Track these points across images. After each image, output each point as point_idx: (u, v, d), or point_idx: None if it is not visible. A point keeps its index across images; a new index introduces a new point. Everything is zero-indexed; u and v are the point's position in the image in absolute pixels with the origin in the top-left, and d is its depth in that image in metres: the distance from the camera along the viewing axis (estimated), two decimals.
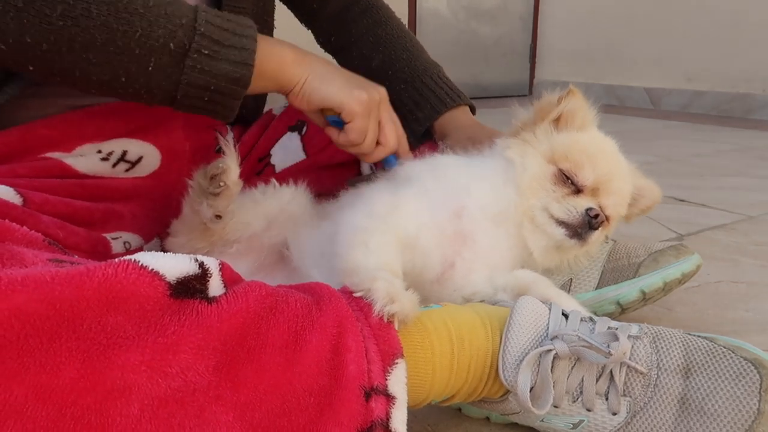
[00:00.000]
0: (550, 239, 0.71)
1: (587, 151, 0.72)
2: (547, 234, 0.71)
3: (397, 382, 0.50)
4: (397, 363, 0.51)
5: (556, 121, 0.75)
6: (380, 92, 0.77)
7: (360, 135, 0.75)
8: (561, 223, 0.70)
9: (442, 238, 0.69)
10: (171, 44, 0.63)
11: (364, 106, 0.73)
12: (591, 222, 0.69)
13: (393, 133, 0.79)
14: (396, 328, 0.52)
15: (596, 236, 0.71)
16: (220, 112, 0.69)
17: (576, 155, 0.72)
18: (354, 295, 0.54)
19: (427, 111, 0.96)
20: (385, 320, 0.52)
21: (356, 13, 1.03)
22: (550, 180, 0.72)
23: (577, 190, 0.71)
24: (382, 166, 0.83)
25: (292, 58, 0.72)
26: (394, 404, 0.49)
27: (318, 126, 0.81)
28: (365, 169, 1.04)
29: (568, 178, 0.71)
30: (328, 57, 1.07)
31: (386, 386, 0.50)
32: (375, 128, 0.77)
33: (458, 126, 0.94)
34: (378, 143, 0.79)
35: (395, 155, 0.82)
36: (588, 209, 0.69)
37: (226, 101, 0.68)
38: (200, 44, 0.64)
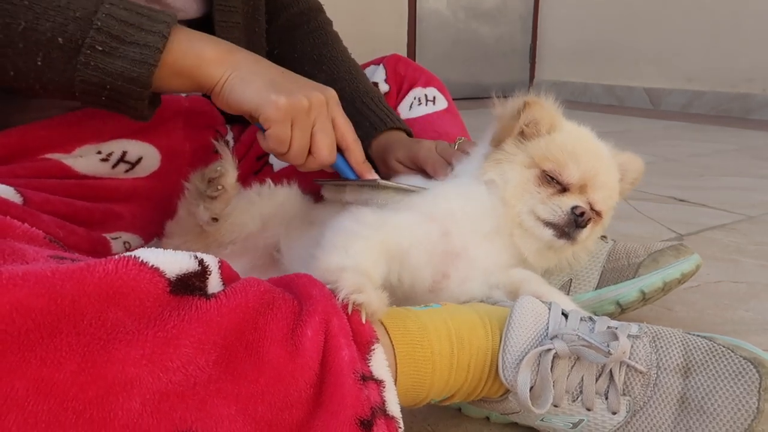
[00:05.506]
0: (540, 241, 0.71)
1: (568, 149, 0.71)
2: (536, 236, 0.70)
3: (380, 366, 0.50)
4: (374, 349, 0.51)
5: (521, 134, 0.73)
6: (315, 97, 0.69)
7: (279, 143, 0.68)
8: (548, 224, 0.69)
9: (433, 254, 0.67)
10: (59, 38, 0.59)
11: (282, 113, 0.66)
12: (577, 220, 0.68)
13: (325, 143, 0.70)
14: (363, 320, 0.51)
15: (585, 234, 0.70)
16: (126, 112, 0.65)
17: (557, 154, 0.70)
18: None
19: (366, 129, 0.93)
20: (350, 309, 0.51)
21: (305, 32, 1.03)
22: (534, 182, 0.70)
23: (563, 189, 0.70)
24: (340, 174, 0.77)
25: (214, 56, 0.66)
26: (384, 387, 0.49)
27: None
28: None
29: (552, 178, 0.70)
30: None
31: (371, 371, 0.49)
32: (302, 137, 0.69)
33: (397, 140, 0.92)
34: (310, 153, 0.71)
35: (348, 164, 0.76)
36: (573, 207, 0.68)
37: (127, 101, 0.63)
38: (95, 39, 0.59)
